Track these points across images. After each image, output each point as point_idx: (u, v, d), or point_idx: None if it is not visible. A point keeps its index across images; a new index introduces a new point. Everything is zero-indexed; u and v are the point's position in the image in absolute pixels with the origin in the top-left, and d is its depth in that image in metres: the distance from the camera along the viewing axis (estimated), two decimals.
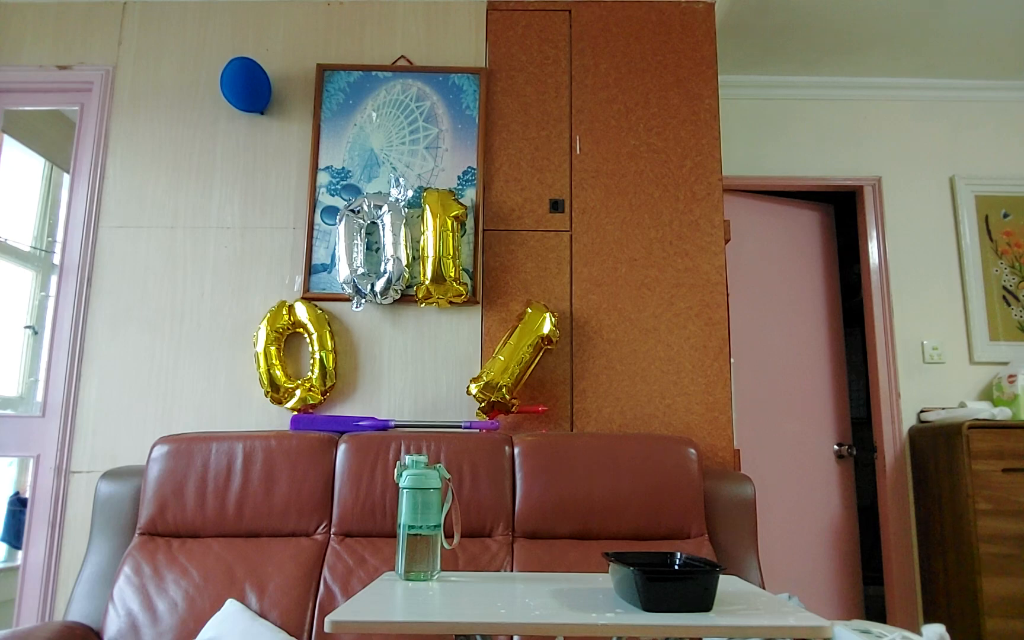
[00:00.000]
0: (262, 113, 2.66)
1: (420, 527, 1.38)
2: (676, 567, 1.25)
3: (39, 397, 2.51)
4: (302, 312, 2.43)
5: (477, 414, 2.39)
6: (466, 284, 2.48)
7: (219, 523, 2.05)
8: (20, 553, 2.44)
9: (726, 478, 2.21)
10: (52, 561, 2.36)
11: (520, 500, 2.09)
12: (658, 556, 1.30)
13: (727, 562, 2.07)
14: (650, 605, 1.08)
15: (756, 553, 2.12)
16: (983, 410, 2.87)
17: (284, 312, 2.44)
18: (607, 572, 1.23)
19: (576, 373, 2.46)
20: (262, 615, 1.88)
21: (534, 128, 2.63)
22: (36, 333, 3.11)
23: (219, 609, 1.87)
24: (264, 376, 2.39)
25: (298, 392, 2.38)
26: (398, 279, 2.41)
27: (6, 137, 3.05)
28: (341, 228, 2.45)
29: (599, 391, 2.45)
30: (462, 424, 2.35)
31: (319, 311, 2.45)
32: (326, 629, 1.03)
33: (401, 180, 2.51)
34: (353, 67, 2.66)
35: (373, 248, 2.52)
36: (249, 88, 2.53)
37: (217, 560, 1.97)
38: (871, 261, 3.32)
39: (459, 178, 2.58)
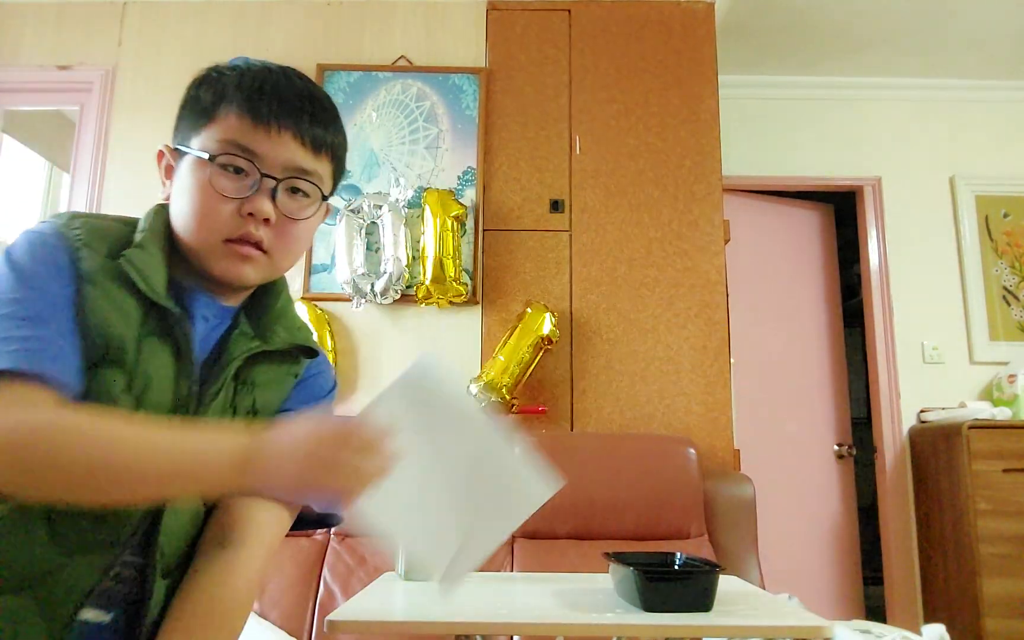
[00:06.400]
0: None
1: None
2: (676, 567, 1.25)
3: None
4: (302, 312, 2.43)
5: None
6: (466, 284, 2.48)
7: None
8: None
9: (726, 478, 2.21)
10: None
11: None
12: (658, 556, 1.30)
13: (727, 562, 2.07)
14: (650, 605, 1.08)
15: (756, 553, 2.12)
16: (983, 410, 2.86)
17: None
18: (607, 572, 1.23)
19: (576, 373, 2.46)
20: (262, 615, 1.87)
21: (534, 128, 2.63)
22: None
23: None
24: None
25: None
26: (398, 279, 2.41)
27: (6, 137, 3.05)
28: (341, 228, 2.45)
29: (599, 391, 2.45)
30: None
31: (319, 311, 2.45)
32: (326, 629, 1.03)
33: (401, 180, 2.51)
34: (353, 67, 2.66)
35: (373, 248, 2.51)
36: None
37: None
38: (871, 261, 3.32)
39: (459, 178, 2.58)
